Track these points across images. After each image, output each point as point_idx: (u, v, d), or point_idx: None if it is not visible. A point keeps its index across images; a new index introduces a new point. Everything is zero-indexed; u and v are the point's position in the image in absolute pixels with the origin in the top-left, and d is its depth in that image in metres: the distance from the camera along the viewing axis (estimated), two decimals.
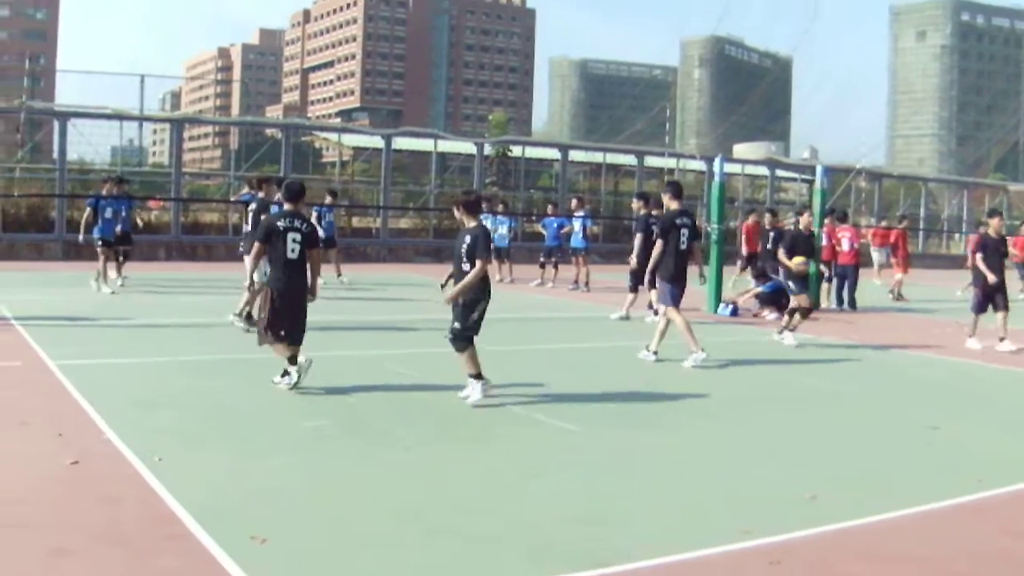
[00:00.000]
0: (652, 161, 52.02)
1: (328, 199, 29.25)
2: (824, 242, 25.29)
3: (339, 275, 26.56)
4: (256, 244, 12.13)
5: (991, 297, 18.61)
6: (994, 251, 18.73)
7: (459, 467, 8.82)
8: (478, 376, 11.25)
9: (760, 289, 22.77)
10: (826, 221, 25.72)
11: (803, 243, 19.02)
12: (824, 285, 25.45)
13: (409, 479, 8.40)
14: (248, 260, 12.52)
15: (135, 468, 8.26)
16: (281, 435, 9.77)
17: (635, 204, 23.39)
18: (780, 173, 58.72)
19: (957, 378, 15.74)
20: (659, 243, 15.45)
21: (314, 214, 24.17)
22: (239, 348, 14.94)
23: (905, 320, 23.90)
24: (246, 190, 23.24)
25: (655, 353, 15.45)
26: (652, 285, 17.51)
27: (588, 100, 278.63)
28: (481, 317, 11.39)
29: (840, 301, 25.51)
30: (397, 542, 6.83)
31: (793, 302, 18.52)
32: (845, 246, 25.58)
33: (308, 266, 11.93)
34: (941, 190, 70.53)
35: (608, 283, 27.97)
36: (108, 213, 23.05)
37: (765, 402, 12.94)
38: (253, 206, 18.06)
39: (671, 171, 51.53)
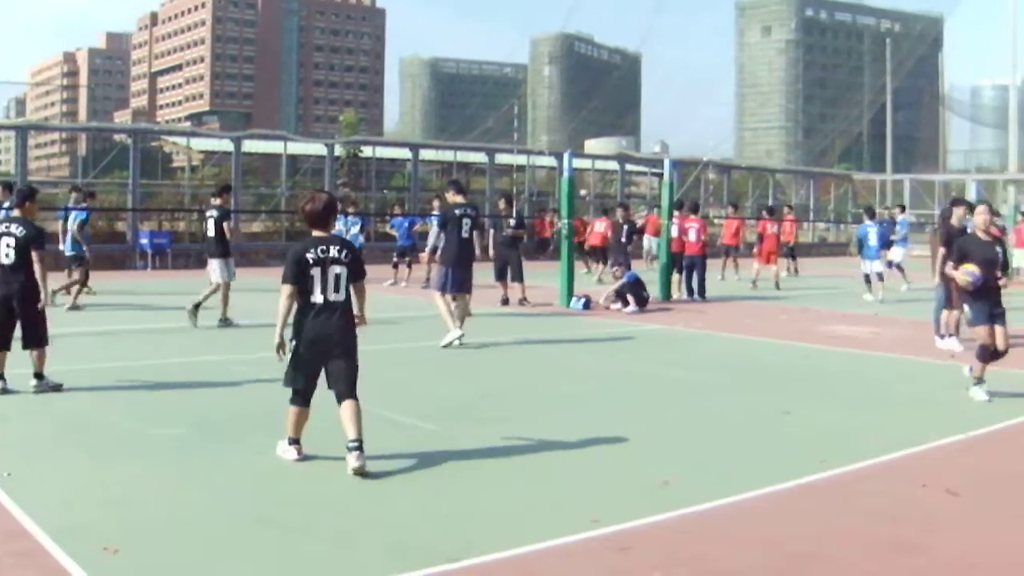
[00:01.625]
0: (503, 159, 52.32)
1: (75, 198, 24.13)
2: (674, 234, 25.76)
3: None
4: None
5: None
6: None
7: (314, 469, 8.77)
8: (293, 440, 8.95)
9: (623, 281, 22.97)
10: (675, 213, 26.16)
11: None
12: (675, 276, 25.88)
13: (263, 483, 8.37)
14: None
15: None
16: (134, 444, 9.61)
17: (501, 204, 26.50)
18: (630, 167, 59.41)
19: (803, 362, 16.15)
20: (436, 231, 17.57)
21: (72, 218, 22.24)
22: (88, 358, 14.76)
23: (754, 308, 24.34)
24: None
25: (460, 337, 16.30)
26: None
27: (439, 99, 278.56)
28: (298, 366, 8.79)
29: (690, 291, 25.89)
30: (253, 546, 6.82)
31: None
32: (693, 237, 25.97)
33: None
34: (788, 180, 71.93)
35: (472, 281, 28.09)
36: None
37: (617, 392, 13.14)
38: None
39: (521, 168, 51.89)
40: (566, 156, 25.42)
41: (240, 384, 12.88)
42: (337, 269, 8.75)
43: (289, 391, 8.90)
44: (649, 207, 43.19)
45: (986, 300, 12.53)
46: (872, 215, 27.47)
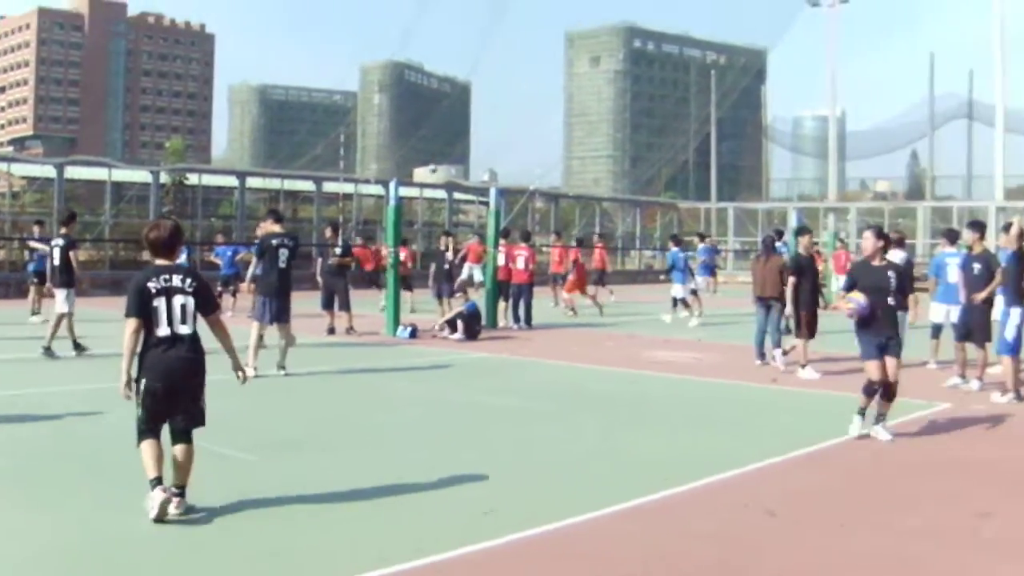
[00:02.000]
0: (331, 187, 52.14)
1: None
2: (501, 262, 25.84)
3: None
4: None
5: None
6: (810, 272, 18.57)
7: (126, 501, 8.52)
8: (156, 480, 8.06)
9: (462, 309, 22.94)
10: (502, 241, 26.26)
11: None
12: (501, 304, 25.96)
13: (77, 523, 8.17)
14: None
15: None
16: None
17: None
18: (459, 196, 59.57)
19: (629, 388, 16.28)
20: (255, 260, 17.27)
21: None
22: None
23: (581, 335, 24.53)
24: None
25: (255, 369, 15.78)
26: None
27: (268, 126, 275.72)
28: (148, 405, 8.22)
29: (516, 319, 25.99)
30: None
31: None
32: (521, 265, 26.07)
33: None
34: (616, 209, 72.82)
35: (299, 310, 27.75)
36: None
37: (441, 421, 13.11)
38: None
39: (349, 196, 51.71)
40: (392, 184, 25.34)
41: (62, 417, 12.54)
42: (182, 299, 8.28)
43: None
44: (477, 235, 43.36)
45: (876, 331, 12.01)
46: (678, 242, 28.69)
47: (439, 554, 7.22)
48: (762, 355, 18.85)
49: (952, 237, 19.08)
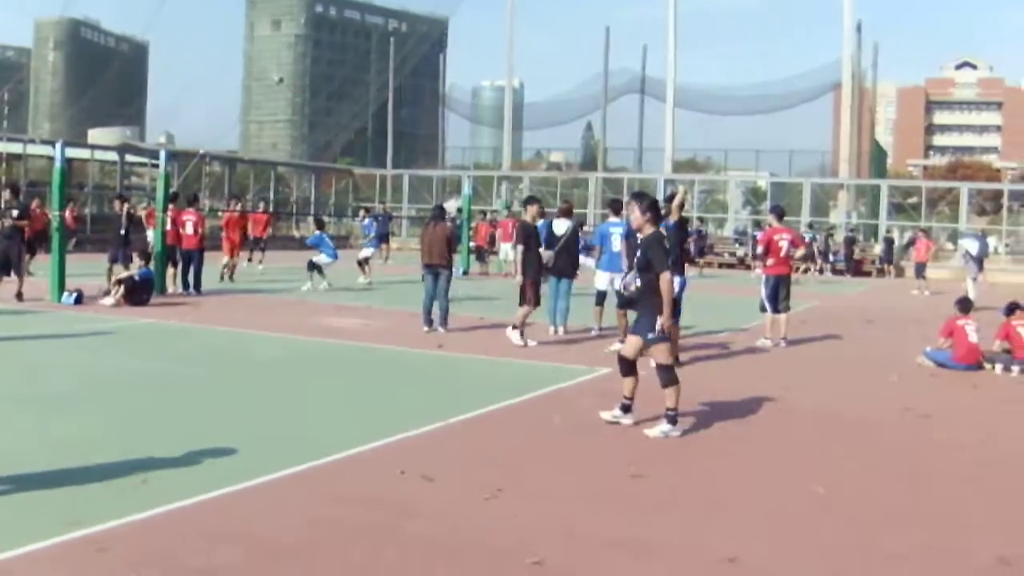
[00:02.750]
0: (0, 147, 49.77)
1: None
2: (169, 226, 25.14)
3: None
4: None
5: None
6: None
7: None
8: None
9: (132, 273, 22.17)
10: (171, 206, 25.56)
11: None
12: (170, 269, 25.26)
13: None
14: None
15: None
16: None
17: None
18: (132, 159, 57.86)
19: (290, 354, 16.20)
20: None
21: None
22: None
23: (252, 301, 24.22)
24: None
25: None
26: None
27: None
28: None
29: (186, 285, 25.34)
30: None
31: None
32: (189, 230, 25.47)
33: None
34: (291, 174, 72.17)
35: None
36: None
37: (98, 390, 12.68)
38: None
39: (17, 157, 49.55)
40: (58, 145, 24.32)
41: None
42: None
43: None
44: (150, 199, 42.11)
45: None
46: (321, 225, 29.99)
47: (96, 525, 6.98)
48: (430, 321, 18.94)
49: (616, 208, 19.55)
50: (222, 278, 29.06)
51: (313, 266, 28.25)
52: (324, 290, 27.21)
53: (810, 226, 52.44)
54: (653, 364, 11.04)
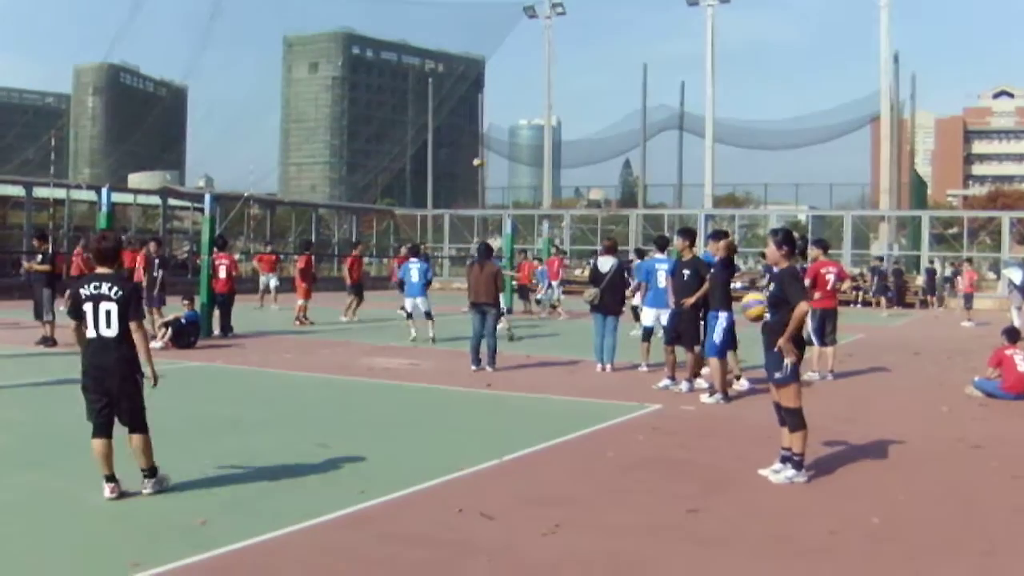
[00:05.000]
0: (41, 192, 50.20)
1: None
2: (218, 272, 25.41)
3: None
4: None
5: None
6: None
7: None
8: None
9: (179, 316, 22.35)
10: (215, 250, 25.78)
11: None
12: (216, 312, 25.43)
13: None
14: None
15: None
16: None
17: None
18: (174, 202, 58.32)
19: (342, 395, 16.28)
20: None
21: None
22: None
23: (295, 343, 24.28)
24: None
25: None
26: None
27: None
28: (86, 400, 9.32)
29: (222, 329, 25.49)
30: None
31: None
32: (222, 274, 25.72)
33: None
34: (332, 215, 72.48)
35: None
36: None
37: (154, 435, 12.73)
38: None
39: (60, 202, 49.97)
40: (104, 190, 24.63)
41: None
42: (107, 305, 9.00)
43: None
44: (192, 242, 42.40)
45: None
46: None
47: (156, 567, 7.05)
48: (478, 361, 19.00)
49: (662, 244, 19.58)
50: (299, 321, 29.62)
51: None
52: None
53: (881, 260, 52.57)
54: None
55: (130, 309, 9.13)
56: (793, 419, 10.35)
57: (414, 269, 25.39)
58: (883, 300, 46.49)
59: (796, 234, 12.40)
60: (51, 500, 9.03)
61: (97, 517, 8.46)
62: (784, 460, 10.40)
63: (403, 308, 26.38)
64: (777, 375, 10.39)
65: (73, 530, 8.13)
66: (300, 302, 30.52)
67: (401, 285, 26.92)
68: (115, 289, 9.08)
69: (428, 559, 7.49)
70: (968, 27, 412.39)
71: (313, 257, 34.77)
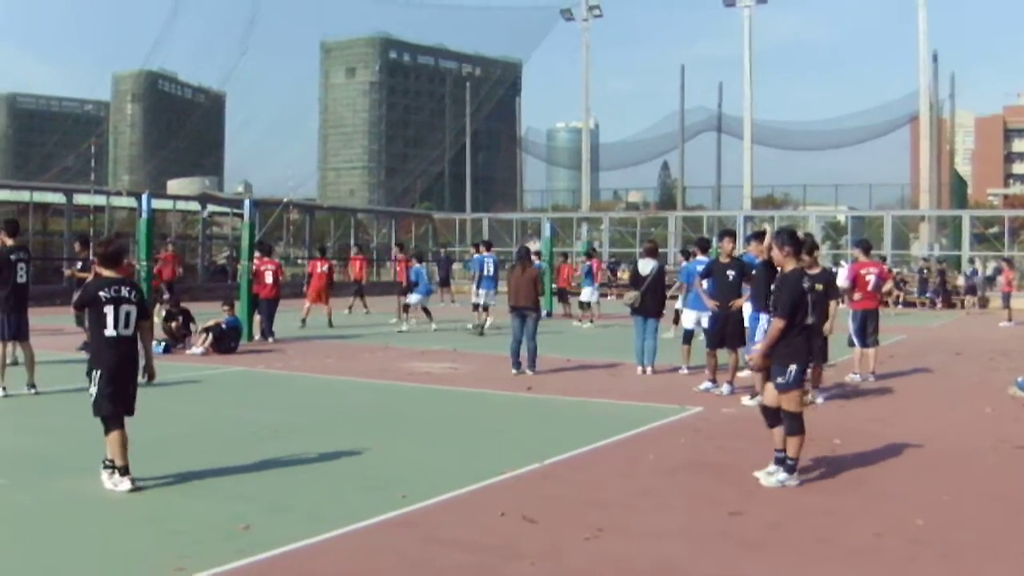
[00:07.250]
0: (81, 199, 50.47)
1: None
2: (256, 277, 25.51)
3: None
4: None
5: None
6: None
7: None
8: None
9: (220, 321, 22.45)
10: (256, 254, 25.88)
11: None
12: (256, 318, 25.50)
13: None
14: None
15: None
16: None
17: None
18: (213, 208, 58.52)
19: (383, 399, 16.29)
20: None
21: None
22: None
23: (336, 347, 24.31)
24: None
25: (3, 388, 15.53)
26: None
27: (16, 136, 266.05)
28: (105, 395, 9.97)
29: (264, 332, 25.55)
30: None
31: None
32: (268, 279, 25.77)
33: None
34: (371, 220, 72.59)
35: (41, 326, 26.82)
36: None
37: (198, 437, 12.80)
38: None
39: (100, 209, 50.21)
40: (144, 197, 24.78)
41: None
42: (128, 308, 9.73)
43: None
44: (231, 247, 42.58)
45: None
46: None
47: (201, 571, 7.09)
48: (518, 364, 18.99)
49: (704, 245, 19.54)
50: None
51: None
52: (433, 330, 27.89)
53: (940, 261, 52.47)
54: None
55: (143, 309, 9.97)
56: (792, 424, 10.34)
57: (489, 262, 25.68)
58: (927, 300, 46.51)
59: (801, 232, 12.34)
60: (94, 505, 9.10)
61: (141, 522, 8.50)
62: (778, 462, 10.39)
63: (475, 301, 28.60)
64: (780, 380, 10.37)
65: (117, 535, 8.20)
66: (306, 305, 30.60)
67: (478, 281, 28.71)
68: (133, 292, 9.92)
69: (471, 563, 7.50)
70: (1008, 25, 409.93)
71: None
